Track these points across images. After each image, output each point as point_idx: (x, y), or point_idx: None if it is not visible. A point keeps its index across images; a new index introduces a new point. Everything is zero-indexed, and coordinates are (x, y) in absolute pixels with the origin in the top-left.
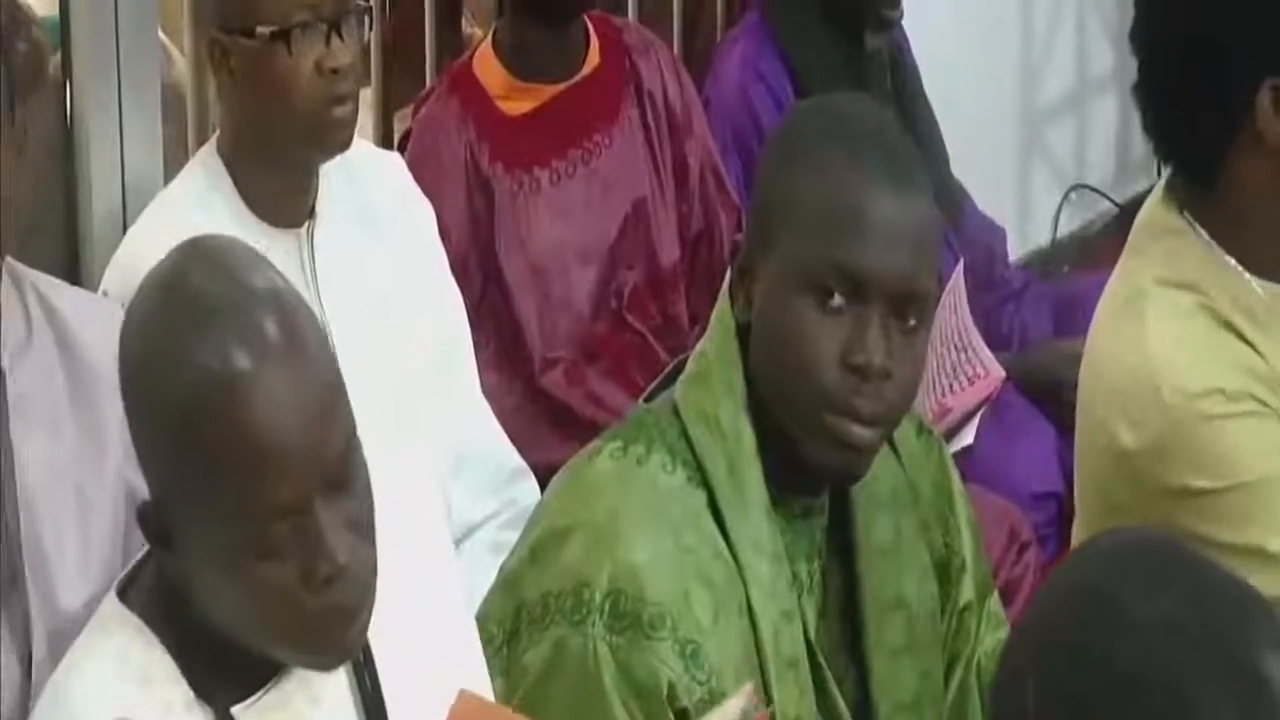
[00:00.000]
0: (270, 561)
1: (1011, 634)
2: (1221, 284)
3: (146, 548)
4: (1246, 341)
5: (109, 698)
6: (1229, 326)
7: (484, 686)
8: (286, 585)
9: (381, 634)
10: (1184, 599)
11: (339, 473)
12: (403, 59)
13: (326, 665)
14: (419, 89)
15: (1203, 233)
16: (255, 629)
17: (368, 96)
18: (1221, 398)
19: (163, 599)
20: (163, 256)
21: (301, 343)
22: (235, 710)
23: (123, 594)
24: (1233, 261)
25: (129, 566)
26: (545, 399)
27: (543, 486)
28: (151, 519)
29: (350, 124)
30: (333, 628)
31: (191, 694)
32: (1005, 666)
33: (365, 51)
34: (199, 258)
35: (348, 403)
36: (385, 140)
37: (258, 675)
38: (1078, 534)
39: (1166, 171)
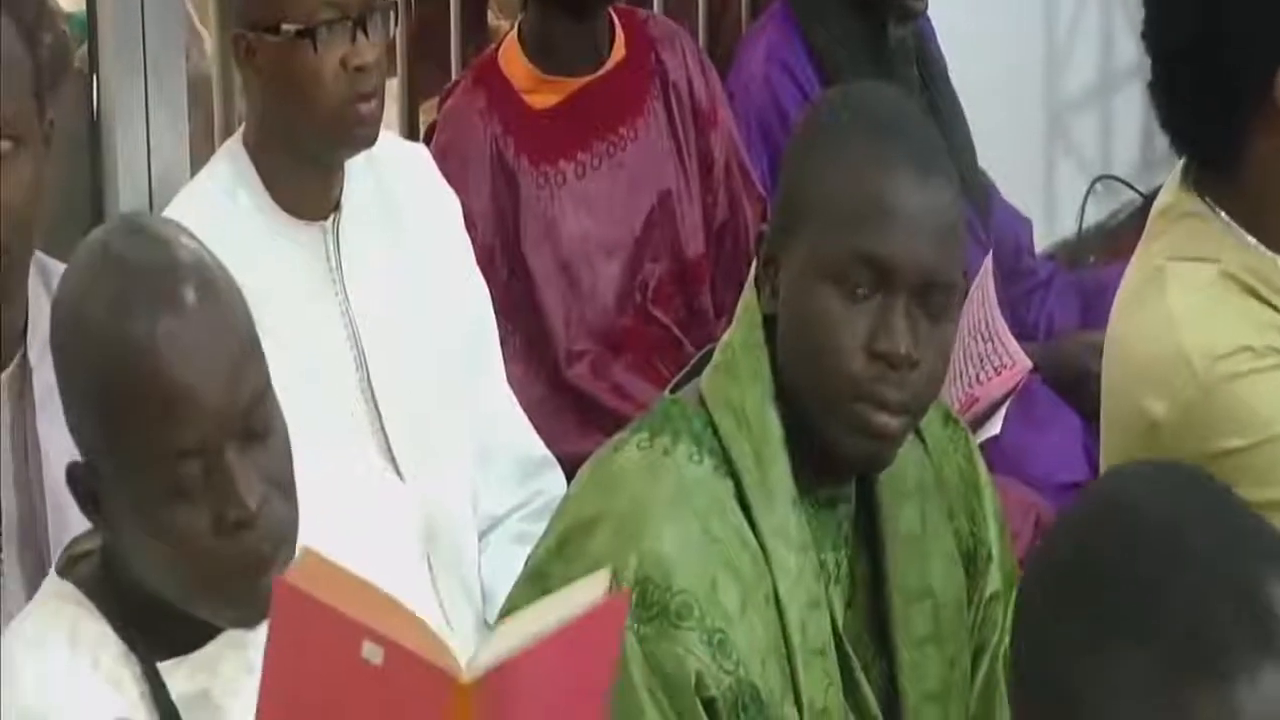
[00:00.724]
0: (182, 505)
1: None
2: (1241, 259)
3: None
4: (1270, 305)
5: (38, 659)
6: (1251, 292)
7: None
8: (198, 529)
9: None
10: (1198, 507)
11: (250, 423)
12: (428, 51)
13: (244, 619)
14: (444, 81)
15: (1221, 214)
16: (173, 579)
17: (393, 88)
18: (1249, 354)
19: (97, 567)
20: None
21: (213, 302)
22: (163, 665)
23: (62, 571)
24: (1253, 241)
25: (69, 542)
26: (571, 391)
27: (568, 478)
28: (81, 480)
29: (375, 121)
30: (244, 576)
31: (124, 647)
32: (1025, 574)
33: (390, 44)
34: (123, 228)
35: (261, 363)
36: (411, 132)
37: (186, 639)
38: None
39: (1167, 153)
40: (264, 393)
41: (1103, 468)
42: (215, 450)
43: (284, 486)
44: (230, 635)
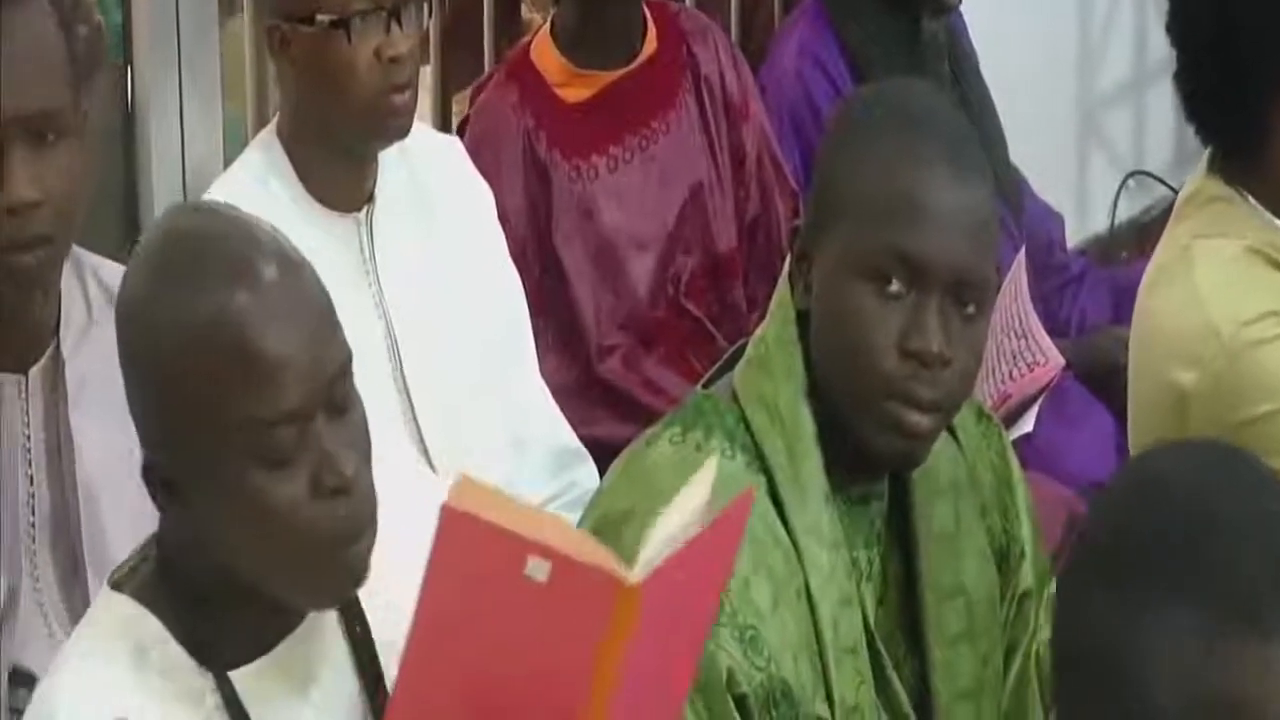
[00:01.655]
0: (277, 474)
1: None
2: (1268, 237)
3: (139, 546)
4: None
5: (104, 668)
6: (1277, 266)
7: None
8: (294, 496)
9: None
10: (1228, 476)
11: (338, 394)
12: (461, 41)
13: (332, 594)
14: (477, 72)
15: (1249, 198)
16: (264, 555)
17: (426, 78)
18: (1275, 319)
19: (157, 578)
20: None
21: (293, 273)
22: (234, 674)
23: (116, 586)
24: None
25: (120, 566)
26: (603, 385)
27: (600, 471)
28: (156, 472)
29: (409, 112)
30: (340, 544)
31: (192, 660)
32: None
33: (424, 35)
34: (189, 209)
35: (342, 336)
36: (444, 123)
37: (258, 642)
38: None
39: (1199, 148)
40: (347, 365)
41: (1131, 448)
42: (307, 417)
43: (367, 456)
44: (300, 634)
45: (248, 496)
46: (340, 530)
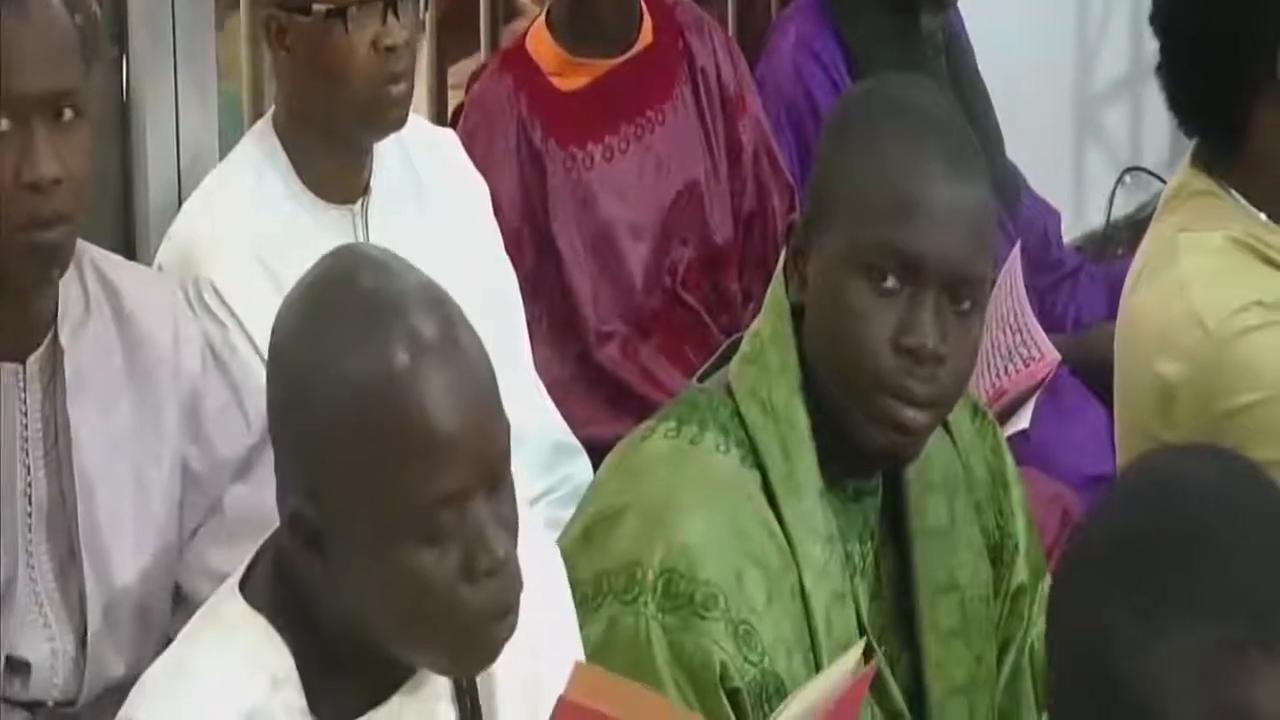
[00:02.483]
0: (432, 550)
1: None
2: (1252, 230)
3: (257, 548)
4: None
5: (242, 692)
6: (1262, 257)
7: None
8: (446, 576)
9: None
10: (1241, 486)
11: (499, 469)
12: (457, 30)
13: (472, 666)
14: (472, 49)
15: (1232, 191)
16: (408, 626)
17: (421, 66)
18: (1260, 309)
19: (285, 604)
20: (226, 233)
21: (465, 342)
22: None
23: (243, 591)
24: (1264, 217)
25: (243, 566)
26: (599, 372)
27: (596, 461)
28: (306, 519)
29: (405, 103)
30: (486, 624)
31: (306, 705)
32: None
33: (420, 26)
34: (363, 258)
35: (502, 405)
36: (439, 111)
37: (370, 693)
38: None
39: (1193, 143)
40: (509, 441)
41: (1118, 440)
42: (469, 498)
43: (515, 535)
44: (412, 686)
45: (398, 569)
46: (488, 612)
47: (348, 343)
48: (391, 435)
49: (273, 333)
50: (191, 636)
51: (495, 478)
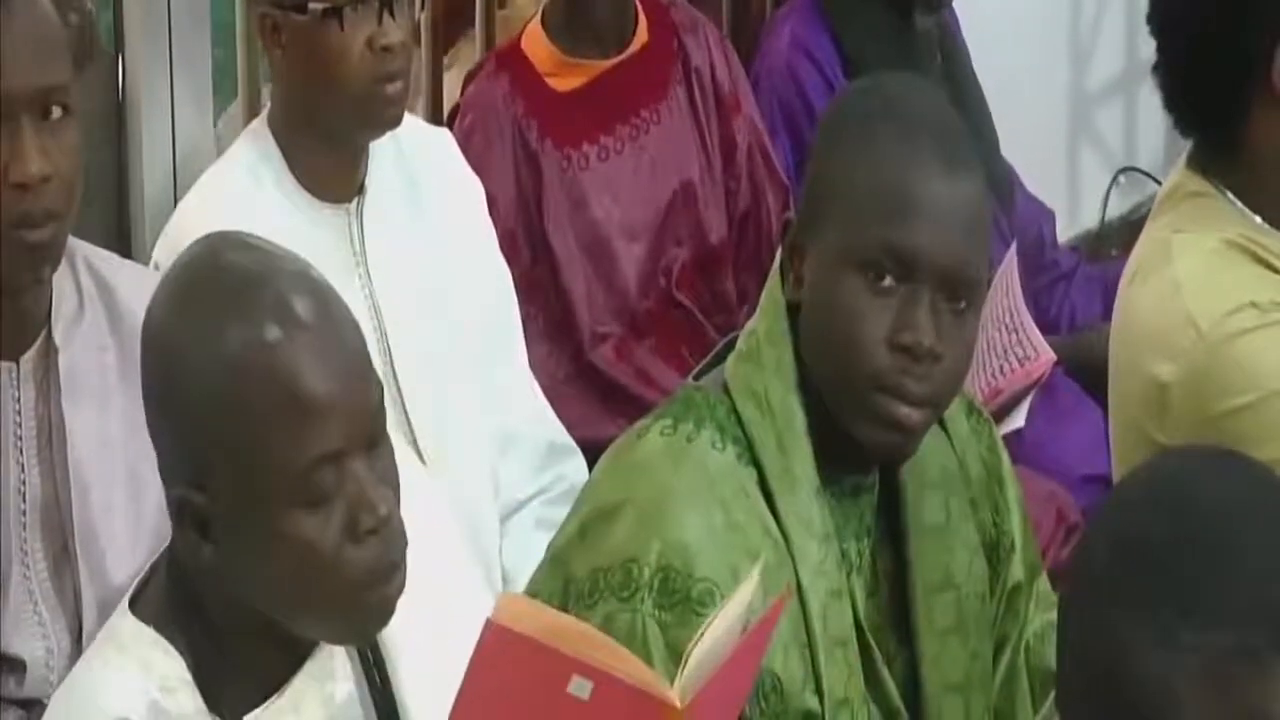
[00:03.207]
0: (315, 513)
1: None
2: (1245, 231)
3: (149, 565)
4: (1274, 270)
5: (133, 701)
6: (1256, 259)
7: None
8: (331, 539)
9: (397, 631)
10: (1253, 493)
11: (375, 428)
12: (452, 27)
13: (366, 630)
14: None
15: (1227, 193)
16: (298, 596)
17: (417, 65)
18: (1254, 311)
19: (175, 610)
20: (217, 229)
21: (333, 307)
22: (248, 718)
23: (133, 608)
24: (1259, 219)
25: (134, 583)
26: (594, 373)
27: (590, 461)
28: (193, 506)
29: (401, 102)
30: (376, 584)
31: (203, 705)
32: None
33: (416, 24)
34: (221, 242)
35: (373, 368)
36: (435, 109)
37: (269, 682)
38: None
39: (1189, 145)
40: (382, 401)
41: (1112, 441)
42: (347, 457)
43: (398, 492)
44: (310, 669)
45: (283, 536)
46: (374, 571)
47: (217, 318)
48: (266, 403)
49: (144, 323)
50: (86, 659)
51: (372, 436)
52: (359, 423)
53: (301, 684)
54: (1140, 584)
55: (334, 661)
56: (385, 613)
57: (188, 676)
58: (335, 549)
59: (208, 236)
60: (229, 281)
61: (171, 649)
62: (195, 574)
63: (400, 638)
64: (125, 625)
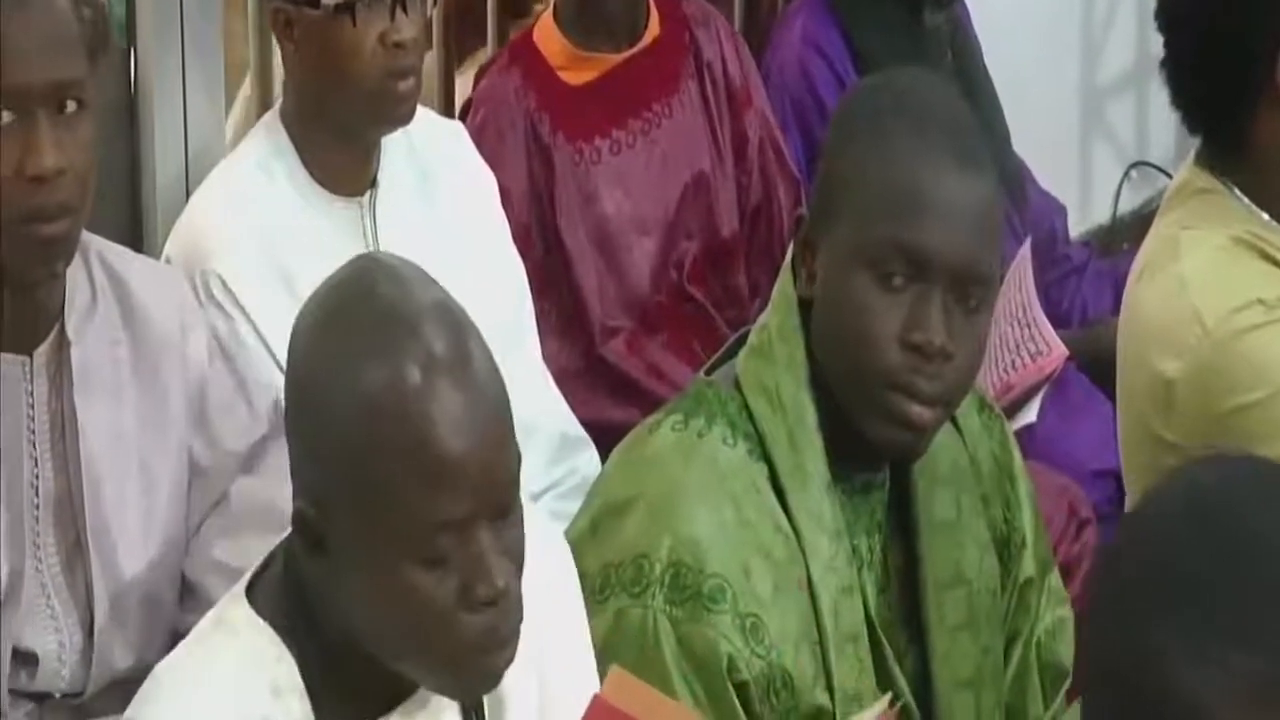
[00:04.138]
0: (431, 573)
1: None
2: (1256, 230)
3: (269, 551)
4: None
5: (244, 699)
6: (1263, 255)
7: None
8: (444, 600)
9: (510, 685)
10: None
11: (506, 499)
12: (465, 23)
13: (468, 692)
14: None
15: (1235, 190)
16: (402, 643)
17: (430, 61)
18: (1261, 307)
19: (291, 610)
20: (233, 226)
21: (479, 363)
22: None
23: (249, 597)
24: (1266, 216)
25: (253, 569)
26: (606, 367)
27: (603, 455)
28: (309, 522)
29: (413, 98)
30: (483, 653)
31: (311, 712)
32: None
33: (428, 21)
34: (381, 268)
35: (514, 434)
36: (448, 104)
37: (378, 701)
38: (1129, 486)
39: (1196, 141)
40: (519, 466)
41: (1120, 437)
42: (473, 525)
43: (520, 565)
44: (416, 700)
45: (395, 587)
46: (485, 639)
47: (361, 356)
48: (398, 453)
49: (290, 337)
50: (198, 640)
51: (501, 506)
52: (491, 491)
53: (406, 712)
54: (1176, 599)
55: (442, 700)
56: (493, 678)
57: (298, 680)
58: (447, 612)
59: (363, 259)
60: (380, 317)
61: (285, 650)
62: (311, 581)
63: (512, 691)
64: (240, 613)
